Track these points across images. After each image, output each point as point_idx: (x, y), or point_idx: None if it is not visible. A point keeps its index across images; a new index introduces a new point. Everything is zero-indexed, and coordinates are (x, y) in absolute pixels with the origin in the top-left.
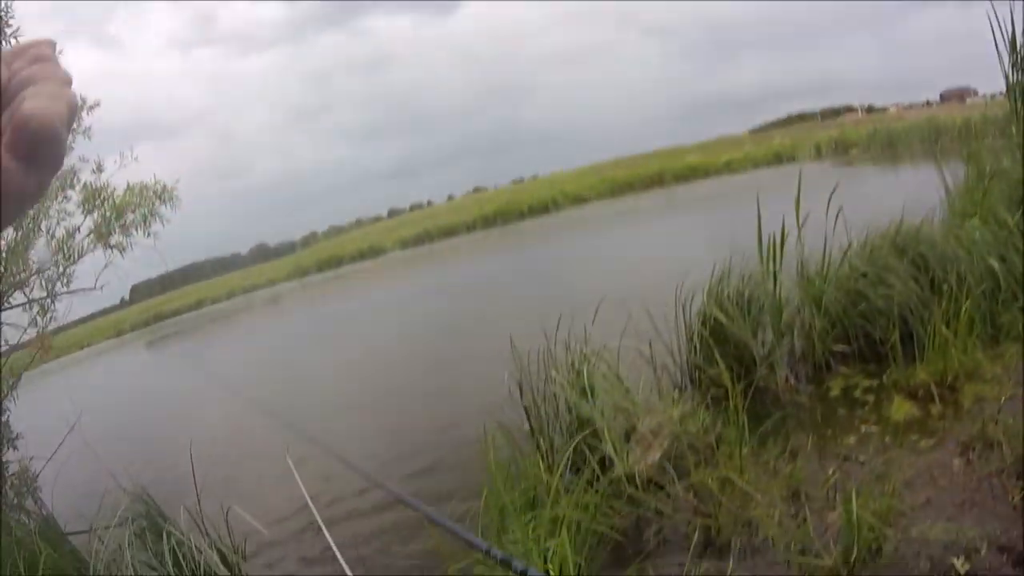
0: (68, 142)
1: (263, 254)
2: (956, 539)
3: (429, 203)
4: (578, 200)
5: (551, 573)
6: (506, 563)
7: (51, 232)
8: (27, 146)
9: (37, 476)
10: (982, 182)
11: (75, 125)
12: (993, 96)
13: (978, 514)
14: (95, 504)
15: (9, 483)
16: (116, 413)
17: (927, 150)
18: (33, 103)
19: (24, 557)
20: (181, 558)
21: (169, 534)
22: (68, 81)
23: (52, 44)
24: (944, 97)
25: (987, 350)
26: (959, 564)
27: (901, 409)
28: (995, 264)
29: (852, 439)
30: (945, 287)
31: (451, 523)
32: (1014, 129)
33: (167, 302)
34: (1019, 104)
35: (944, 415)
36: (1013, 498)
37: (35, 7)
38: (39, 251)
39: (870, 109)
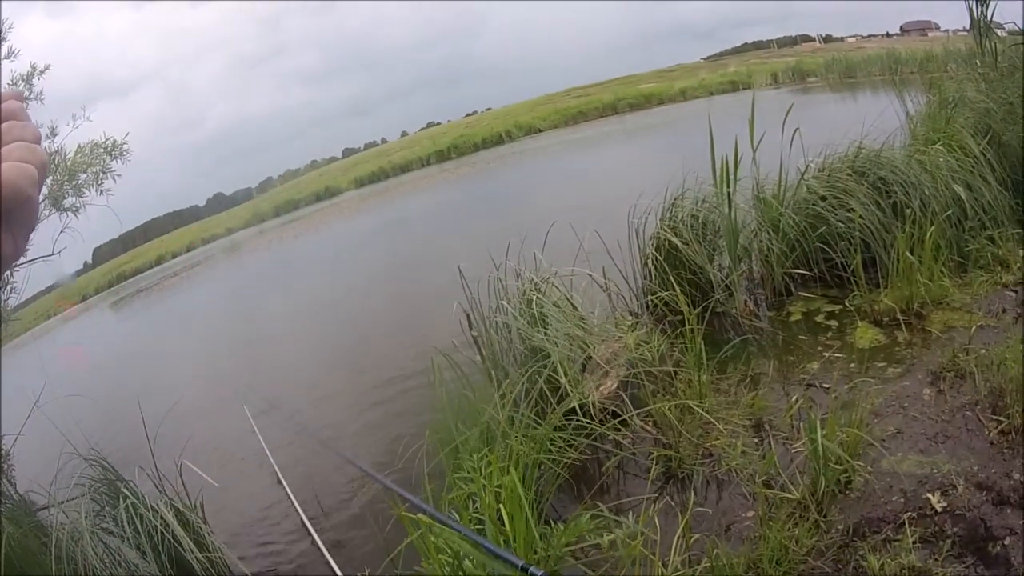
0: (41, 197)
1: (221, 204)
2: (930, 473)
3: (383, 140)
4: (532, 131)
5: (503, 511)
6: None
7: None
8: (1, 211)
9: (9, 455)
10: (945, 109)
11: (47, 176)
12: (956, 31)
13: (952, 447)
14: (57, 475)
15: None
16: (81, 380)
17: (886, 80)
18: (4, 168)
19: None
20: (138, 520)
21: (124, 496)
22: (37, 138)
23: (20, 95)
24: (904, 30)
25: (954, 278)
26: (935, 500)
27: (866, 335)
28: (961, 191)
29: (815, 365)
30: (908, 212)
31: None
32: (978, 61)
33: (128, 261)
34: (982, 37)
35: (912, 343)
36: (989, 432)
37: None
38: None
39: (828, 39)
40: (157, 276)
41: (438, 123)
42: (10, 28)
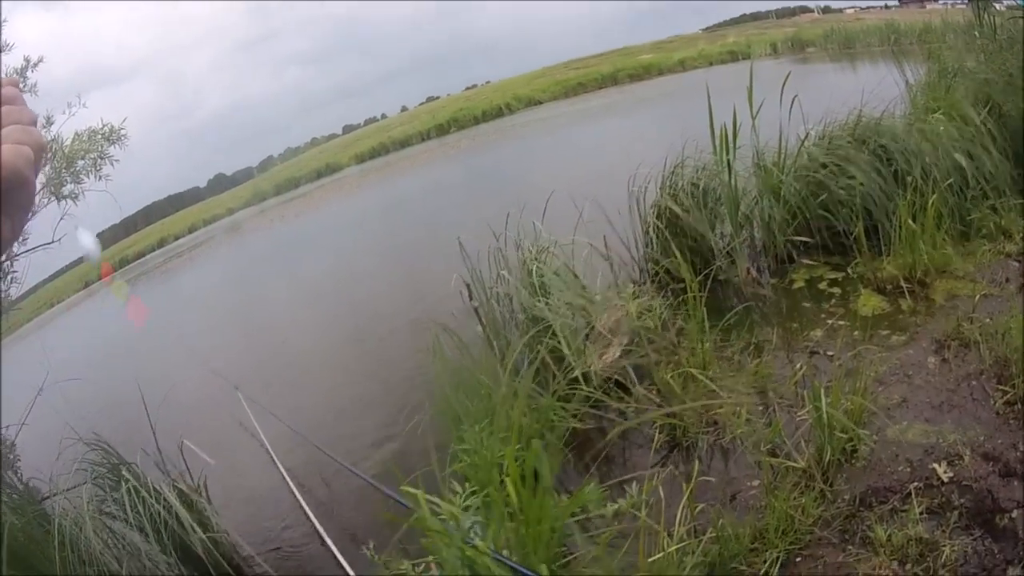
0: (38, 181)
1: (222, 184)
2: (936, 443)
3: (383, 116)
4: (531, 103)
5: (507, 482)
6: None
7: None
8: None
9: (14, 446)
10: (945, 79)
11: (43, 161)
12: (954, 3)
13: (958, 417)
14: (60, 463)
15: None
16: (83, 367)
17: (885, 50)
18: (1, 150)
19: None
20: (140, 503)
21: (125, 480)
22: (34, 121)
23: (16, 82)
24: (903, 2)
25: (957, 246)
26: (941, 470)
27: (869, 303)
28: (962, 160)
29: (819, 333)
30: (910, 180)
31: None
32: (976, 33)
33: (130, 246)
34: (981, 9)
35: (915, 311)
36: (995, 402)
37: None
38: None
39: (826, 10)
40: (160, 258)
41: (437, 97)
42: (4, 22)
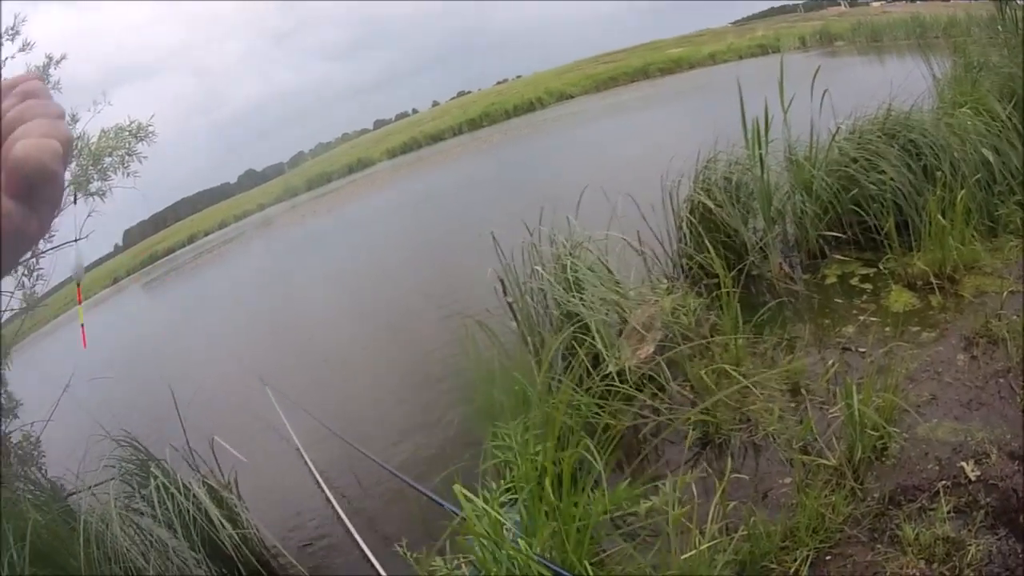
0: (66, 180)
1: (252, 180)
2: (964, 441)
3: (414, 111)
4: (563, 97)
5: (543, 478)
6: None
7: None
8: (24, 188)
9: (38, 442)
10: (971, 73)
11: (70, 156)
12: None
13: (986, 415)
14: (87, 459)
15: (13, 453)
16: (111, 364)
17: (912, 44)
18: (26, 144)
19: (15, 527)
20: (169, 499)
21: (154, 476)
22: (60, 115)
23: (39, 76)
24: None
25: (985, 242)
26: (969, 469)
27: (900, 299)
28: (989, 155)
29: (851, 329)
30: (939, 175)
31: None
32: (1000, 27)
33: (160, 241)
34: (1003, 3)
35: (945, 307)
36: (1021, 400)
37: None
38: None
39: (853, 3)
40: (189, 255)
41: (468, 92)
42: (23, 22)
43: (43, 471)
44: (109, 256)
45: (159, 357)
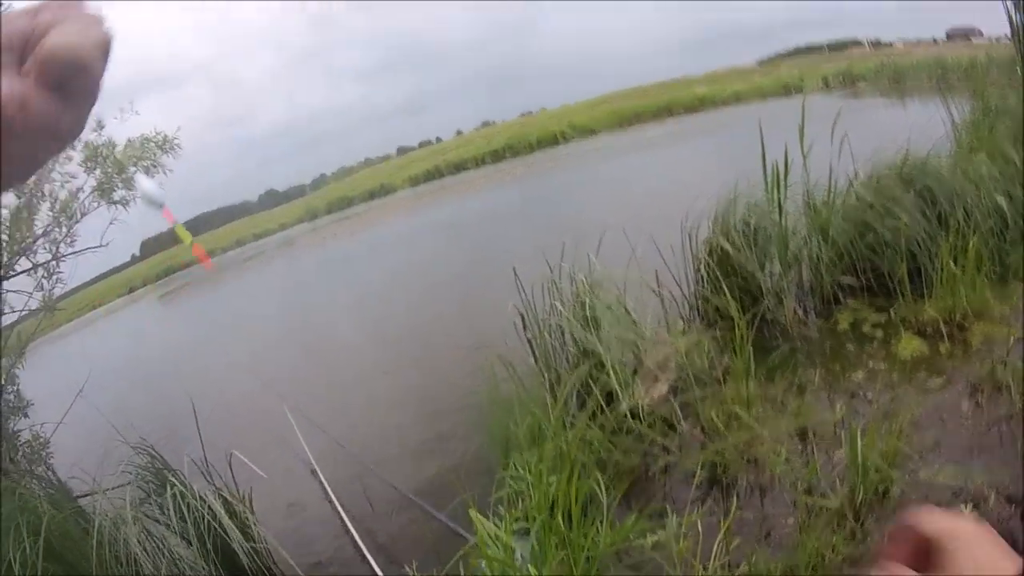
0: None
1: (273, 200)
2: (964, 485)
3: (438, 139)
4: (587, 132)
5: (554, 509)
6: None
7: (54, 196)
8: (57, 77)
9: (48, 443)
10: (988, 118)
11: (107, 56)
12: (998, 39)
13: (987, 460)
14: (96, 462)
15: (21, 452)
16: (125, 372)
17: (933, 86)
18: (63, 30)
19: (29, 521)
20: (185, 508)
21: (171, 484)
22: (99, 19)
23: None
24: (950, 36)
25: (994, 289)
26: (966, 512)
27: (909, 346)
28: (1003, 201)
29: (860, 375)
30: (952, 222)
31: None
32: (1019, 70)
33: (177, 255)
34: (1023, 44)
35: (953, 354)
36: (1021, 445)
37: None
38: (43, 216)
39: (877, 44)
40: (206, 270)
41: (492, 122)
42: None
43: (51, 471)
44: (126, 265)
45: (174, 369)
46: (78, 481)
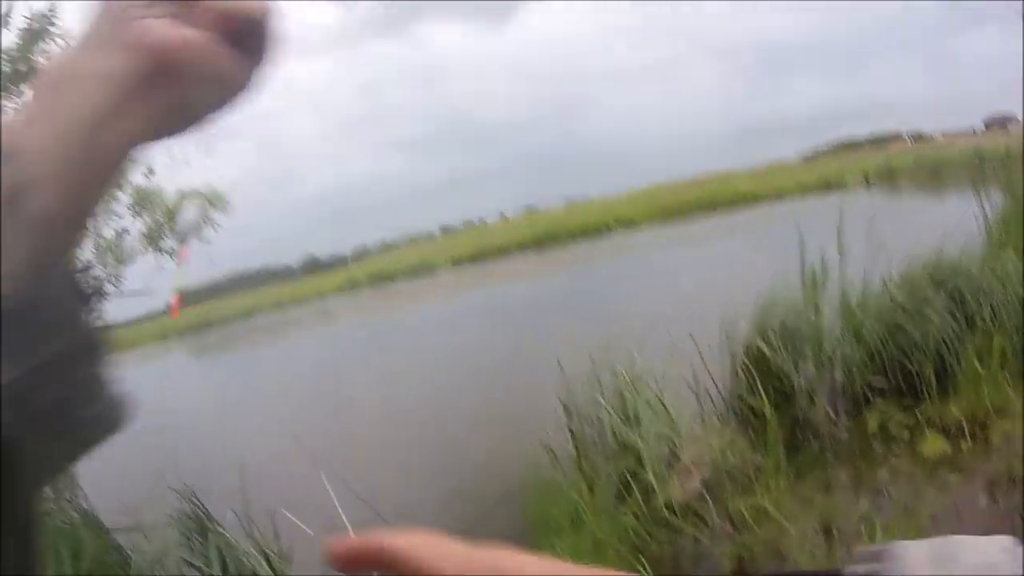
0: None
1: (314, 265)
2: None
3: (481, 220)
4: (629, 224)
5: None
6: None
7: (98, 232)
8: (236, 31)
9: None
10: (1018, 213)
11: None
12: None
13: None
14: (128, 504)
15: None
16: (159, 421)
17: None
18: None
19: (70, 547)
20: (227, 560)
21: (217, 534)
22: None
23: None
24: (987, 124)
25: (1016, 385)
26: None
27: (934, 446)
28: None
29: (885, 473)
30: (979, 321)
31: None
32: None
33: (215, 309)
34: None
35: (974, 451)
36: None
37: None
38: (85, 250)
39: (917, 137)
40: (244, 328)
41: (536, 208)
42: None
43: (86, 499)
44: (160, 313)
45: (209, 422)
46: (105, 513)
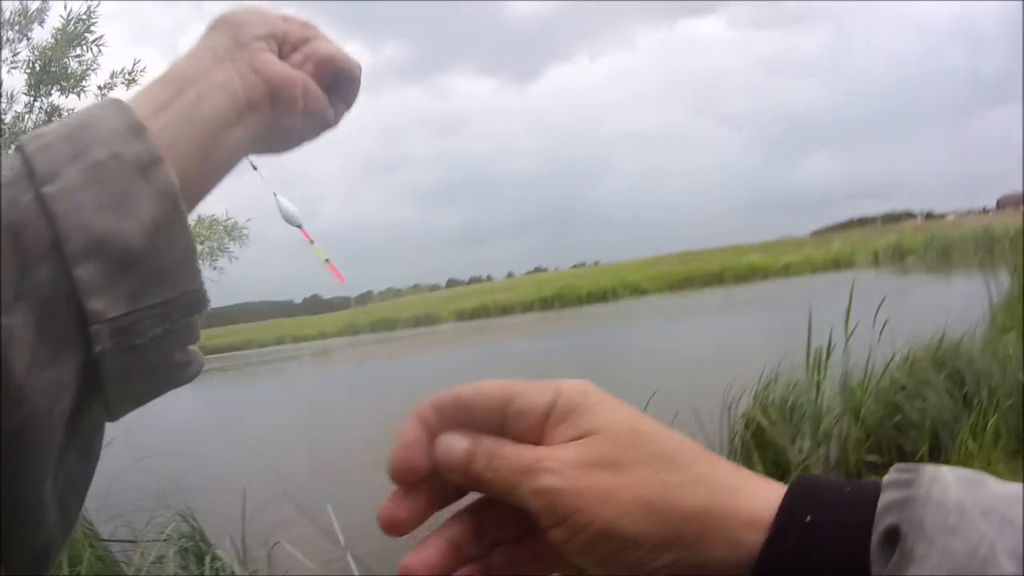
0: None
1: (316, 306)
2: None
3: (488, 277)
4: (637, 291)
5: None
6: None
7: None
8: (331, 78)
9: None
10: (1019, 296)
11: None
12: None
13: None
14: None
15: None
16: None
17: (980, 259)
18: (331, 45)
19: (67, 552)
20: None
21: (214, 557)
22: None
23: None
24: (1000, 204)
25: (1009, 463)
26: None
27: None
28: None
29: None
30: (976, 401)
31: None
32: None
33: (214, 337)
34: None
35: None
36: None
37: (109, 7)
38: None
39: (929, 215)
40: (241, 360)
41: (544, 269)
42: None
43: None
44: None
45: (202, 452)
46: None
